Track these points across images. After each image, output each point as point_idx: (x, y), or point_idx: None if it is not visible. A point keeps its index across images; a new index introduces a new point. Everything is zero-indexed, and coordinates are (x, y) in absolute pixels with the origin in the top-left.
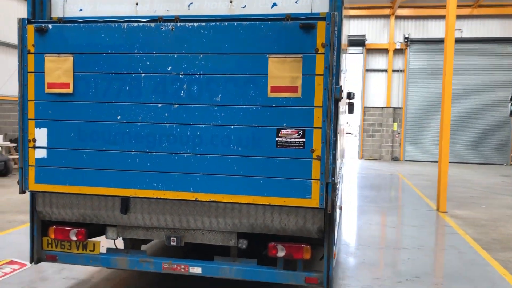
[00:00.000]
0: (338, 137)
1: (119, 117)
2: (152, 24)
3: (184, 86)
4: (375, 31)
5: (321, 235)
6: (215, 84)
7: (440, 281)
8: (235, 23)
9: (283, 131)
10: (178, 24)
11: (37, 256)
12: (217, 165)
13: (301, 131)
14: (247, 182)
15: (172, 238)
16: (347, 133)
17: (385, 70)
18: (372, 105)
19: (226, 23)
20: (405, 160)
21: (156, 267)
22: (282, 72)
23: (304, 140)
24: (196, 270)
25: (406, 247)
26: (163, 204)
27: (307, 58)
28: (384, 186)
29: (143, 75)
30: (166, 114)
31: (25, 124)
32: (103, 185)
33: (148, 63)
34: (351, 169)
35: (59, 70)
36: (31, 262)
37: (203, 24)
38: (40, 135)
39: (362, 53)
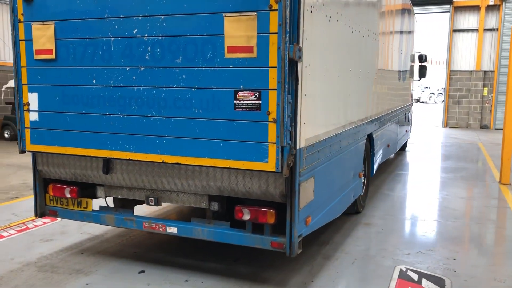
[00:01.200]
0: (303, 99)
1: (94, 81)
2: None
3: (148, 48)
4: None
5: (284, 200)
6: (176, 46)
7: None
8: None
9: (240, 93)
10: None
11: (40, 210)
12: (180, 128)
13: (257, 93)
14: (208, 145)
15: (150, 198)
16: (417, 101)
17: (476, 30)
18: (460, 69)
19: None
20: (496, 129)
21: (138, 225)
22: (237, 31)
23: (260, 102)
24: (172, 230)
25: (438, 219)
26: (139, 165)
27: (261, 15)
28: (456, 156)
29: (112, 39)
30: (134, 77)
31: (19, 89)
32: (85, 146)
33: (116, 27)
34: (429, 137)
35: (43, 37)
36: (35, 216)
37: None
38: (32, 99)
39: (448, 11)
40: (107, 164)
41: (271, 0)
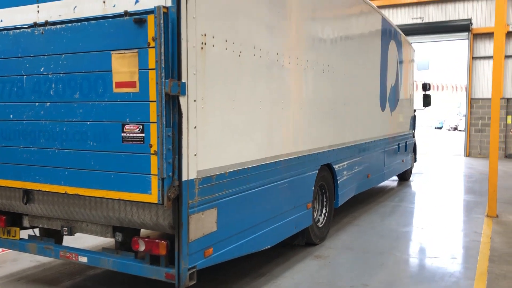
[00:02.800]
0: (191, 132)
1: (11, 116)
2: (29, 29)
3: (53, 85)
4: (483, 14)
5: (173, 231)
6: (74, 82)
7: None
8: (86, 23)
9: (127, 126)
10: (47, 27)
11: None
12: (79, 160)
13: (141, 126)
14: (101, 176)
15: (64, 228)
16: (454, 129)
17: None
18: (481, 97)
19: (79, 23)
20: None
21: (55, 254)
22: (123, 67)
23: (143, 135)
24: (83, 259)
25: (396, 253)
26: (52, 196)
27: (142, 52)
28: (459, 188)
29: (25, 76)
30: (42, 112)
31: None
32: (7, 178)
33: (28, 65)
34: (444, 167)
35: None
36: None
37: (64, 26)
38: None
39: (467, 39)
40: (26, 195)
41: (149, 38)
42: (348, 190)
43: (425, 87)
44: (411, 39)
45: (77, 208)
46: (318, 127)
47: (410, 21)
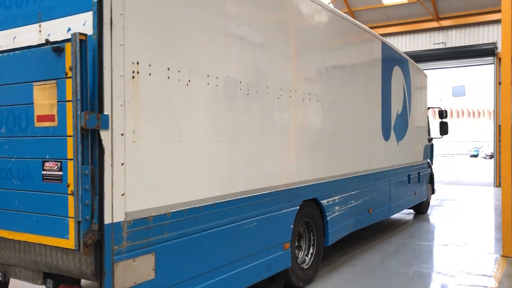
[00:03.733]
0: (118, 169)
1: None
2: None
3: None
4: None
5: (96, 280)
6: (1, 116)
7: None
8: (11, 53)
9: (47, 164)
10: None
11: None
12: (4, 200)
13: (59, 163)
14: (24, 218)
15: None
16: (491, 157)
17: None
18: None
19: (5, 53)
20: None
21: None
22: (43, 99)
23: (61, 173)
24: None
25: None
26: None
27: (60, 83)
28: (474, 222)
29: None
30: None
31: None
32: None
33: None
34: (469, 199)
35: None
36: None
37: None
38: None
39: (493, 63)
40: None
41: (66, 67)
42: (341, 227)
43: (442, 114)
44: (433, 65)
45: (8, 251)
46: (297, 159)
47: (432, 47)
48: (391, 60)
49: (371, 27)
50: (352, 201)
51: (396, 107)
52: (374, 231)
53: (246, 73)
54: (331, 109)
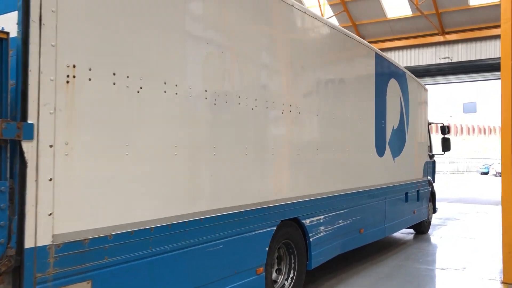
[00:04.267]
0: (44, 186)
1: None
2: None
3: None
4: None
5: None
6: None
7: None
8: None
9: None
10: None
11: None
12: None
13: None
14: None
15: None
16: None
17: None
18: None
19: None
20: None
21: None
22: None
23: None
24: None
25: None
26: None
27: None
28: (488, 242)
29: None
30: None
31: None
32: None
33: None
34: (475, 217)
35: None
36: None
37: None
38: None
39: (499, 78)
40: None
41: None
42: (327, 249)
43: (444, 130)
44: (439, 79)
45: None
46: (275, 175)
47: (438, 61)
48: (386, 72)
49: (374, 41)
50: (340, 221)
51: (392, 122)
52: (369, 252)
53: (213, 81)
54: (315, 122)
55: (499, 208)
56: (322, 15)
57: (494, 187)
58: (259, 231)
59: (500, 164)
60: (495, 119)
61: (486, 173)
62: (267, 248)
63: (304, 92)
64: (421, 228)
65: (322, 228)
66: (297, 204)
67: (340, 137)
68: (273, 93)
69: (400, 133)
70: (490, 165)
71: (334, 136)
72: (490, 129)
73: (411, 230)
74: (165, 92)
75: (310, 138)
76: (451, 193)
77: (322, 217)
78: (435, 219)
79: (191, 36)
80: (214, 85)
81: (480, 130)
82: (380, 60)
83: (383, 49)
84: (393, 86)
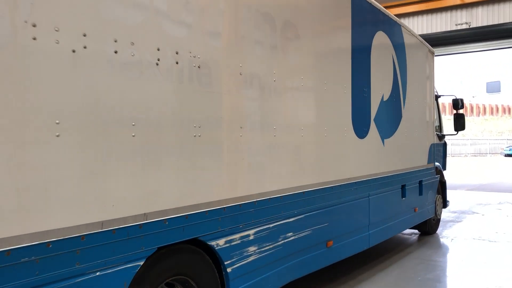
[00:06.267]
0: None
1: None
2: None
3: None
4: None
5: None
6: None
7: None
8: None
9: None
10: None
11: None
12: None
13: None
14: None
15: None
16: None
17: None
18: None
19: None
20: None
21: None
22: None
23: None
24: None
25: None
26: None
27: None
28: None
29: None
30: None
31: None
32: None
33: None
34: (496, 210)
35: None
36: None
37: None
38: None
39: None
40: None
41: None
42: (263, 280)
43: (457, 104)
44: (456, 49)
45: None
46: (136, 171)
47: (454, 28)
48: (370, 21)
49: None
50: (290, 234)
51: (379, 91)
52: (342, 266)
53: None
54: (235, 86)
55: None
56: None
57: None
58: (101, 273)
59: None
60: None
61: (511, 155)
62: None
63: (213, 40)
64: (427, 228)
65: (251, 249)
66: (197, 217)
67: (289, 111)
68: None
69: (393, 107)
70: None
71: (277, 108)
72: None
73: (415, 230)
74: None
75: (220, 111)
76: (471, 178)
77: (251, 231)
78: (447, 212)
79: None
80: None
81: (504, 110)
82: (359, 3)
83: None
84: (381, 41)
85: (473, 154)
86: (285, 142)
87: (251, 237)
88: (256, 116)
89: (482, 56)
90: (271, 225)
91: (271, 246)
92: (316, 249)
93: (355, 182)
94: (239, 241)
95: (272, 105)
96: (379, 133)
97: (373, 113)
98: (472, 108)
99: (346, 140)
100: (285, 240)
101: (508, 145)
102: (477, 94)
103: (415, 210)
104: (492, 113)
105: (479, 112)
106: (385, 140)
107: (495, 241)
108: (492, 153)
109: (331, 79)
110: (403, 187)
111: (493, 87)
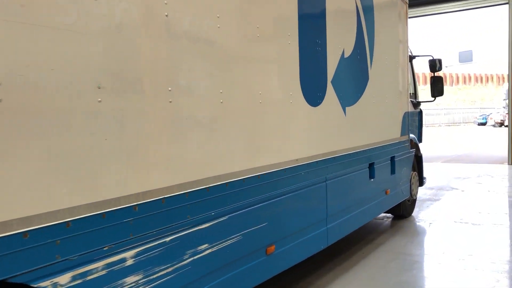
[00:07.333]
0: None
1: None
2: None
3: None
4: None
5: None
6: None
7: None
8: None
9: None
10: None
11: None
12: None
13: None
14: None
15: None
16: (500, 125)
17: None
18: None
19: None
20: None
21: None
22: None
23: None
24: None
25: None
26: None
27: None
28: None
29: None
30: None
31: None
32: None
33: None
34: (476, 184)
35: None
36: None
37: None
38: None
39: (507, 3)
40: None
41: None
42: None
43: (434, 66)
44: (431, 9)
45: None
46: None
47: None
48: None
49: None
50: (205, 245)
51: (338, 44)
52: (300, 269)
53: None
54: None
55: (505, 168)
56: None
57: (494, 139)
58: None
59: (499, 114)
60: (492, 67)
61: (484, 124)
62: None
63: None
64: (401, 211)
65: (129, 280)
66: None
67: (198, 66)
68: None
69: (358, 66)
70: (488, 115)
71: (173, 60)
72: (488, 77)
73: (388, 214)
74: None
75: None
76: (446, 149)
77: (126, 255)
78: (424, 189)
79: None
80: None
81: (476, 79)
82: None
83: None
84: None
85: (446, 124)
86: (190, 113)
87: (128, 262)
88: (138, 68)
89: (454, 25)
90: (167, 239)
91: (170, 269)
92: (250, 260)
93: (306, 164)
94: (101, 272)
95: (164, 54)
96: (339, 100)
97: (330, 73)
98: (445, 77)
99: (293, 108)
100: (195, 257)
101: (481, 114)
102: (449, 63)
103: (386, 193)
104: (465, 82)
105: (452, 82)
106: (346, 108)
107: (479, 224)
108: (466, 122)
109: (268, 23)
110: (370, 166)
111: (466, 57)
